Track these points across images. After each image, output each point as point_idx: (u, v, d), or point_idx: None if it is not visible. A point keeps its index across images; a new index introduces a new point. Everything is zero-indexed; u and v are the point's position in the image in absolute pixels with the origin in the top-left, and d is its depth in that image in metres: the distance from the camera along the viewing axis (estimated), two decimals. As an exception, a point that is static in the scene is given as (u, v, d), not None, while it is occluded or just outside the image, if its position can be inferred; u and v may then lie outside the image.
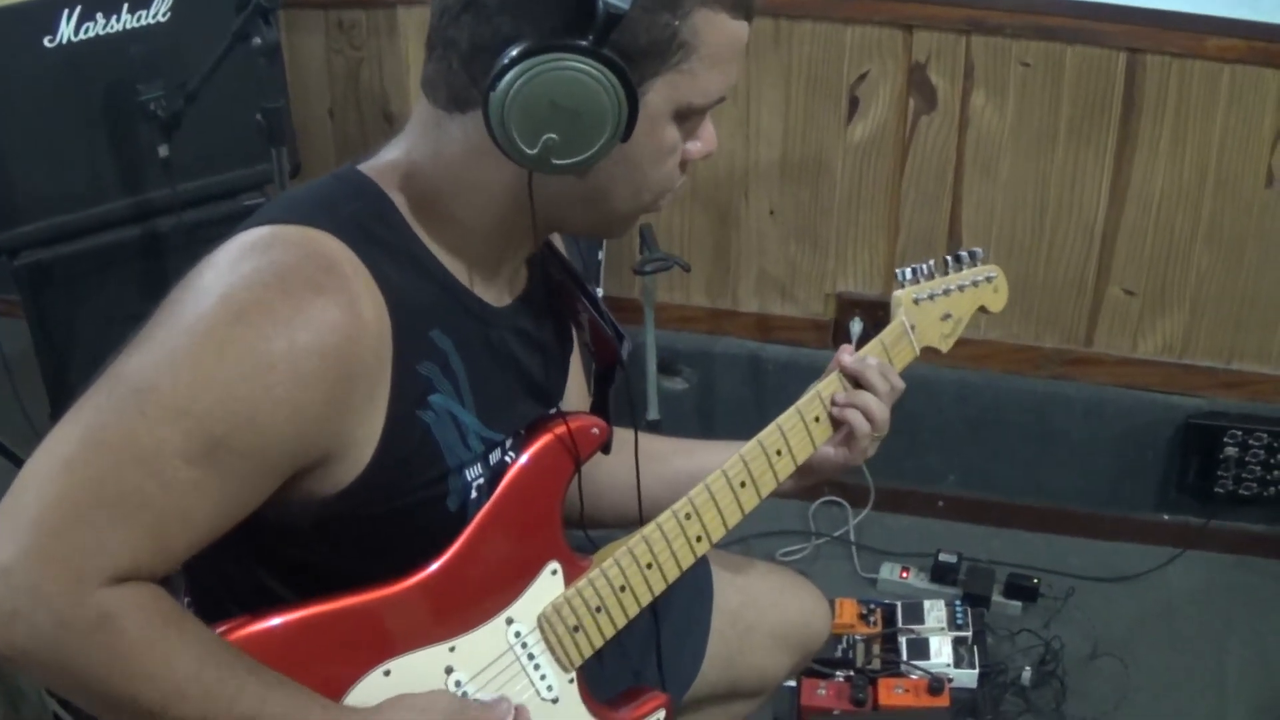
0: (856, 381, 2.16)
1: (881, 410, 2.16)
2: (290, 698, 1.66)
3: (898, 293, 2.20)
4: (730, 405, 4.29)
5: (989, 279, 2.28)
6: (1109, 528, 4.19)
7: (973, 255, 2.27)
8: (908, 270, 2.21)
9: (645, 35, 1.66)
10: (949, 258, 2.25)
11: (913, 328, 2.20)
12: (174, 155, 3.32)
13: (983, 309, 2.30)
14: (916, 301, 2.20)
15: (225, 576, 1.84)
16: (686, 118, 1.78)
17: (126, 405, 1.55)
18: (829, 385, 2.15)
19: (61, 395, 3.39)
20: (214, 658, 1.61)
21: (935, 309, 2.22)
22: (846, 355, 2.16)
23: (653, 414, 3.83)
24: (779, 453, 2.12)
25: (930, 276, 2.23)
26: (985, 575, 3.93)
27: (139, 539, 1.54)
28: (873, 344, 2.17)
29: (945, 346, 2.26)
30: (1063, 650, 3.69)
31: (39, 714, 2.83)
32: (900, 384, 2.19)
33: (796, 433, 2.12)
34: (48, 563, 1.50)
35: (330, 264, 1.64)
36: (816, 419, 2.14)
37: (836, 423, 2.17)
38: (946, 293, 2.23)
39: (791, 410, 2.13)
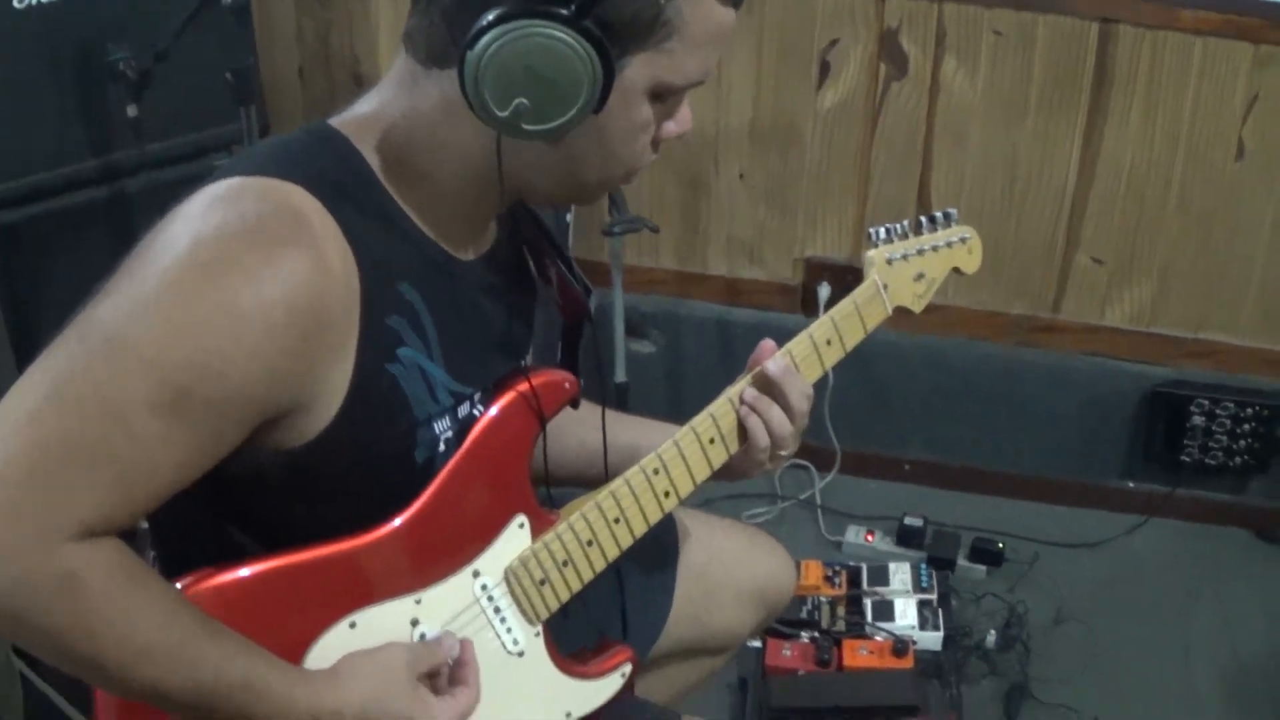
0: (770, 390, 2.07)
1: (782, 425, 2.06)
2: (251, 662, 1.64)
3: (871, 252, 2.17)
4: (698, 368, 4.28)
5: (963, 240, 2.26)
6: (1075, 494, 4.20)
7: (947, 216, 2.25)
8: (881, 230, 2.17)
9: (630, 10, 1.64)
10: (923, 218, 2.22)
11: (885, 287, 2.17)
12: (143, 115, 3.29)
13: (956, 270, 2.27)
14: (890, 261, 2.17)
15: (191, 529, 1.81)
16: (663, 97, 1.77)
17: (93, 356, 1.54)
18: (738, 386, 2.08)
19: (28, 356, 3.35)
20: (178, 619, 1.59)
21: (909, 269, 2.19)
22: (770, 362, 2.05)
23: (620, 376, 3.81)
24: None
25: (904, 236, 2.20)
26: (950, 539, 3.95)
27: (105, 491, 1.53)
28: (845, 303, 2.13)
29: (918, 307, 2.23)
30: (1027, 615, 3.71)
31: (6, 672, 2.80)
32: (805, 407, 2.08)
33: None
34: (12, 517, 1.48)
35: (298, 216, 1.62)
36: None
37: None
38: (920, 253, 2.21)
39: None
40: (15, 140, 3.26)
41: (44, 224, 3.35)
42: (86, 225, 3.39)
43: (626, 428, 2.24)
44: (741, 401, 2.06)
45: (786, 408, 2.05)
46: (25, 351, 3.38)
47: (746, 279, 4.23)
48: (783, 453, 2.09)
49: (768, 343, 2.08)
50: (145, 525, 1.85)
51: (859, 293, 2.15)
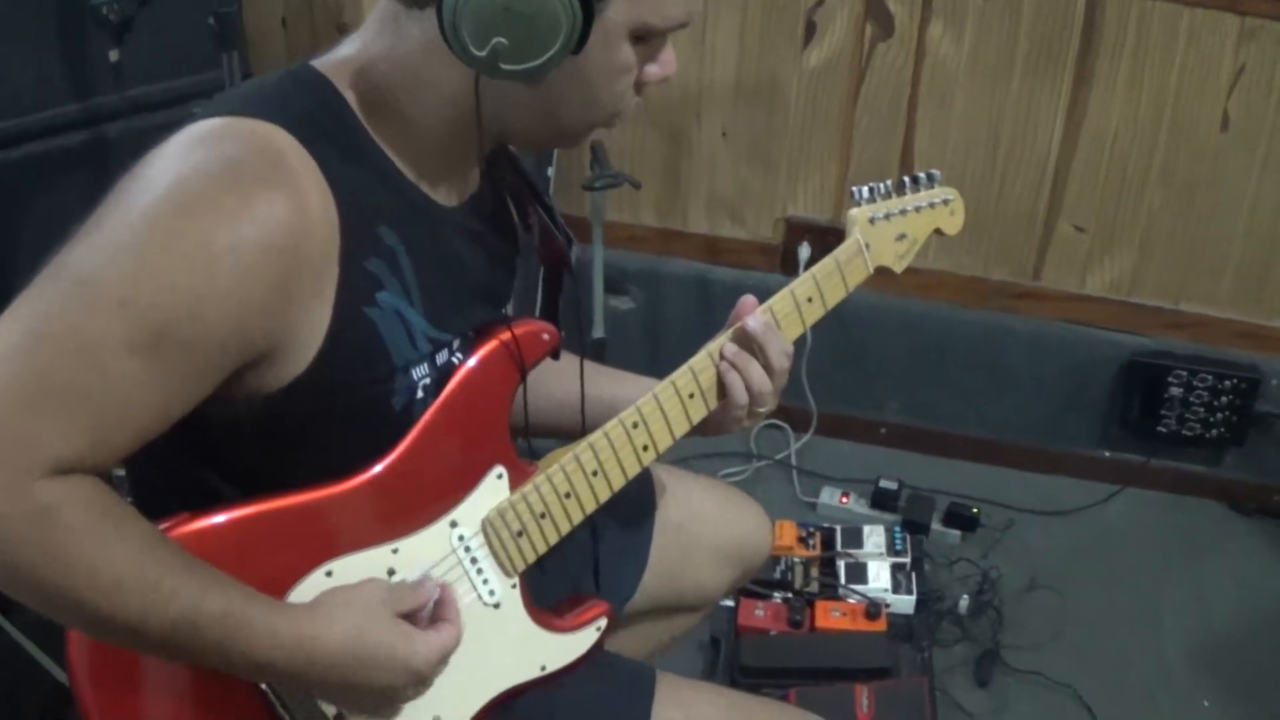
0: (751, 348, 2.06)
1: (762, 382, 2.05)
2: (229, 595, 1.63)
3: (853, 211, 2.16)
4: (677, 326, 4.28)
5: (946, 201, 2.25)
6: (1050, 462, 4.21)
7: (930, 177, 2.24)
8: (864, 189, 2.16)
9: None
10: (906, 179, 2.21)
11: (867, 246, 2.16)
12: (124, 60, 3.26)
13: (939, 231, 2.26)
14: (872, 221, 2.16)
15: (168, 474, 1.81)
16: (645, 39, 1.75)
17: (70, 296, 1.53)
18: (718, 342, 2.07)
19: (3, 300, 3.34)
20: (154, 553, 1.58)
21: (891, 229, 2.18)
22: (751, 318, 2.05)
23: (598, 332, 3.80)
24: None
25: (887, 196, 2.19)
26: (925, 503, 3.96)
27: (80, 432, 1.52)
28: (827, 260, 2.12)
29: (899, 267, 2.22)
30: (1000, 580, 3.72)
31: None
32: (785, 365, 2.08)
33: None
34: None
35: (278, 158, 1.61)
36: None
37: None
38: (903, 213, 2.19)
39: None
40: (-3, 83, 3.24)
41: (22, 168, 3.33)
42: (65, 170, 3.37)
43: (605, 381, 2.23)
44: (721, 357, 2.05)
45: (766, 365, 2.05)
46: (2, 295, 3.37)
47: (727, 237, 4.22)
48: (761, 410, 2.08)
49: (749, 299, 2.07)
50: (121, 473, 1.84)
51: (841, 251, 2.14)
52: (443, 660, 1.82)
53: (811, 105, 3.98)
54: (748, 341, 2.04)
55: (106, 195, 1.60)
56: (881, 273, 2.20)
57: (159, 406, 1.58)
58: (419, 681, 1.80)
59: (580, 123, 1.82)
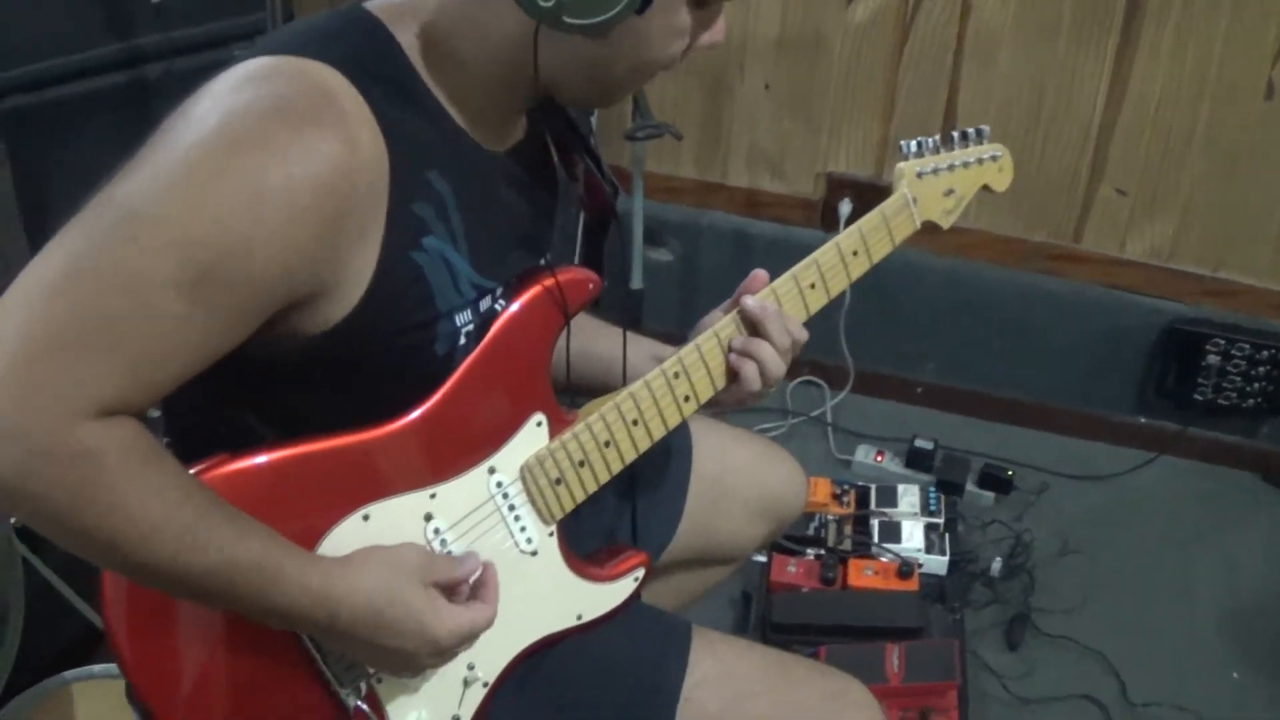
0: (755, 328, 2.05)
1: (777, 365, 2.04)
2: (265, 545, 1.63)
3: (901, 165, 2.14)
4: (714, 279, 4.26)
5: (994, 158, 2.23)
6: (1086, 426, 4.20)
7: (979, 133, 2.22)
8: (912, 143, 2.15)
9: None
10: (955, 133, 2.19)
11: (914, 201, 2.14)
12: (166, 0, 3.25)
13: (986, 188, 2.24)
14: (920, 175, 2.14)
15: (206, 416, 1.80)
16: (703, 4, 1.75)
17: (115, 232, 1.51)
18: (725, 328, 2.05)
19: (39, 242, 3.33)
20: (191, 500, 1.57)
21: (939, 184, 2.17)
22: (749, 298, 2.04)
23: (636, 283, 3.79)
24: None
25: (935, 151, 2.17)
26: (960, 464, 3.94)
27: (123, 370, 1.51)
28: (873, 214, 2.11)
29: (946, 223, 2.21)
30: (1033, 544, 3.72)
31: (7, 557, 2.80)
32: (802, 335, 2.08)
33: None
34: (29, 393, 1.46)
35: (329, 97, 1.60)
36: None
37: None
38: (951, 168, 2.18)
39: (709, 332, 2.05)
40: (36, 24, 3.23)
41: (60, 109, 3.32)
42: (104, 111, 3.36)
43: (638, 344, 2.21)
44: (730, 349, 2.04)
45: (773, 343, 2.03)
46: (38, 237, 3.36)
47: (767, 191, 4.21)
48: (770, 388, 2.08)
49: (758, 275, 2.07)
50: (157, 413, 1.84)
51: (888, 205, 2.13)
52: (468, 639, 1.81)
53: (855, 60, 3.96)
54: (751, 325, 2.04)
55: (153, 132, 1.58)
56: (928, 229, 2.19)
57: (202, 345, 1.57)
58: (437, 653, 1.79)
59: (627, 82, 1.81)
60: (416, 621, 1.73)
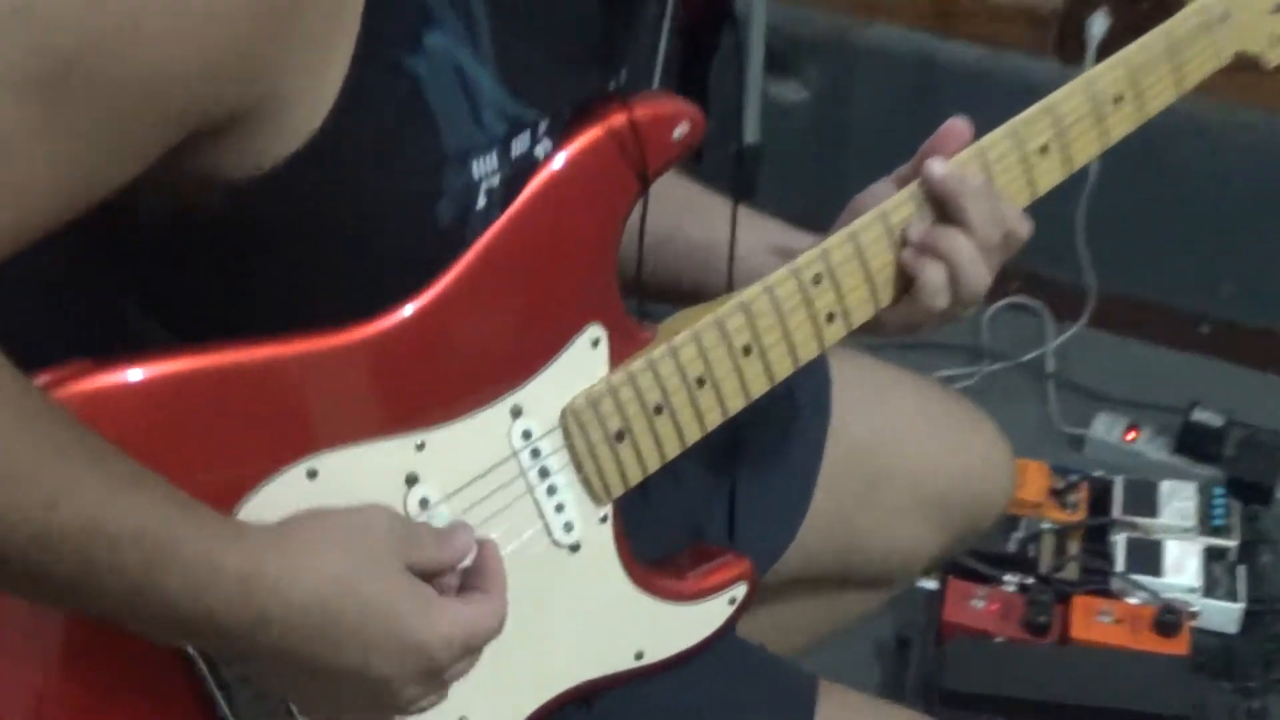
0: (944, 210, 2.01)
1: (978, 272, 2.01)
2: (148, 501, 1.57)
3: (1205, -44, 2.10)
4: (870, 130, 4.29)
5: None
6: None
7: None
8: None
9: None
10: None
11: (1225, 17, 2.10)
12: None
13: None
14: (1237, -25, 2.11)
15: (64, 302, 1.80)
16: None
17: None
18: (899, 209, 2.01)
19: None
20: (29, 426, 1.51)
21: (1269, -9, 2.14)
22: (938, 162, 1.99)
23: (750, 135, 3.80)
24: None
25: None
26: (1269, 453, 3.90)
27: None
28: (1151, 36, 2.07)
29: (1275, 58, 2.18)
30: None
31: None
32: (1021, 228, 2.04)
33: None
34: None
35: None
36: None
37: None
38: (1294, -34, 2.15)
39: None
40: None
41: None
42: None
43: (755, 228, 2.18)
44: (905, 243, 2.01)
45: (972, 230, 1.99)
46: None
47: (971, -7, 4.24)
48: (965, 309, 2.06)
49: (956, 125, 2.03)
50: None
51: (1178, 21, 2.08)
52: (469, 653, 1.76)
53: None
54: (937, 204, 2.01)
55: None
56: (1240, 65, 2.17)
57: (62, 181, 1.52)
58: (427, 675, 1.74)
59: None
60: (393, 623, 1.68)
